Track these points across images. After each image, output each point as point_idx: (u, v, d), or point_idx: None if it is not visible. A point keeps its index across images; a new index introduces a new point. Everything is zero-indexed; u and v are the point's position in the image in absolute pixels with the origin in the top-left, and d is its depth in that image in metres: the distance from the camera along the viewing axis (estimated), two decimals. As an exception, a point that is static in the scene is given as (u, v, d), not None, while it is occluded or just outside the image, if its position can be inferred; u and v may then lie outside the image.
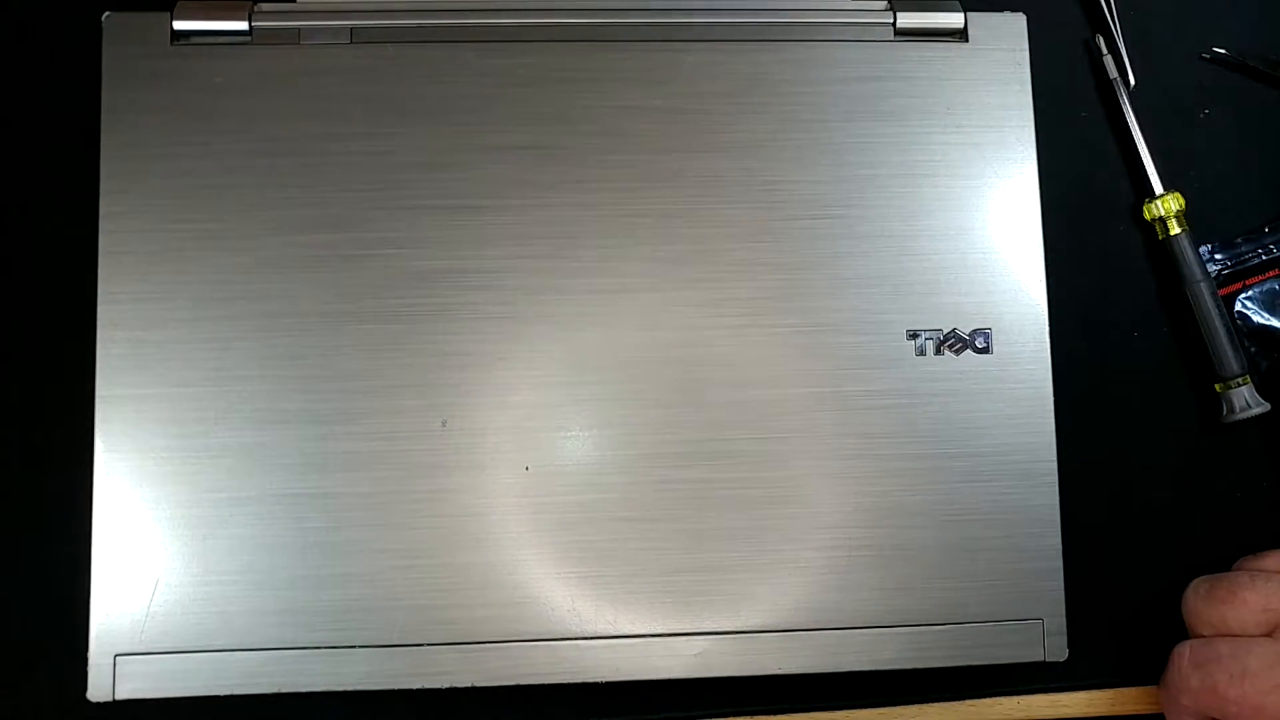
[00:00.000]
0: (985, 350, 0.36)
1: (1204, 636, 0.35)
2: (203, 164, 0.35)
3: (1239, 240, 0.41)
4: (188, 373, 0.34)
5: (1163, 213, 0.40)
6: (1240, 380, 0.39)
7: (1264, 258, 0.40)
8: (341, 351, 0.34)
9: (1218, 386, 0.40)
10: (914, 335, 0.36)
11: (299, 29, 0.36)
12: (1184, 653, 0.35)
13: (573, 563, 0.34)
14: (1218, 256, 0.40)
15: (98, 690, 0.33)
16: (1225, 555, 0.39)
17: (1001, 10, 0.38)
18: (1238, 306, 0.40)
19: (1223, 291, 0.40)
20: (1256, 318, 0.40)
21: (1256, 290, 0.40)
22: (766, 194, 0.36)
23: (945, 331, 0.36)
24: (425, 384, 0.35)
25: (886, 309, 0.36)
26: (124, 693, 0.33)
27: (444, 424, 0.34)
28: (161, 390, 0.34)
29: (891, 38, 0.38)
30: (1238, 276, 0.40)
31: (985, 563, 0.35)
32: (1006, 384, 0.36)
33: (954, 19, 0.38)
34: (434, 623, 0.34)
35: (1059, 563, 0.35)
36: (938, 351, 0.36)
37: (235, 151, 0.35)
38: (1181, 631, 0.37)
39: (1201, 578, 0.36)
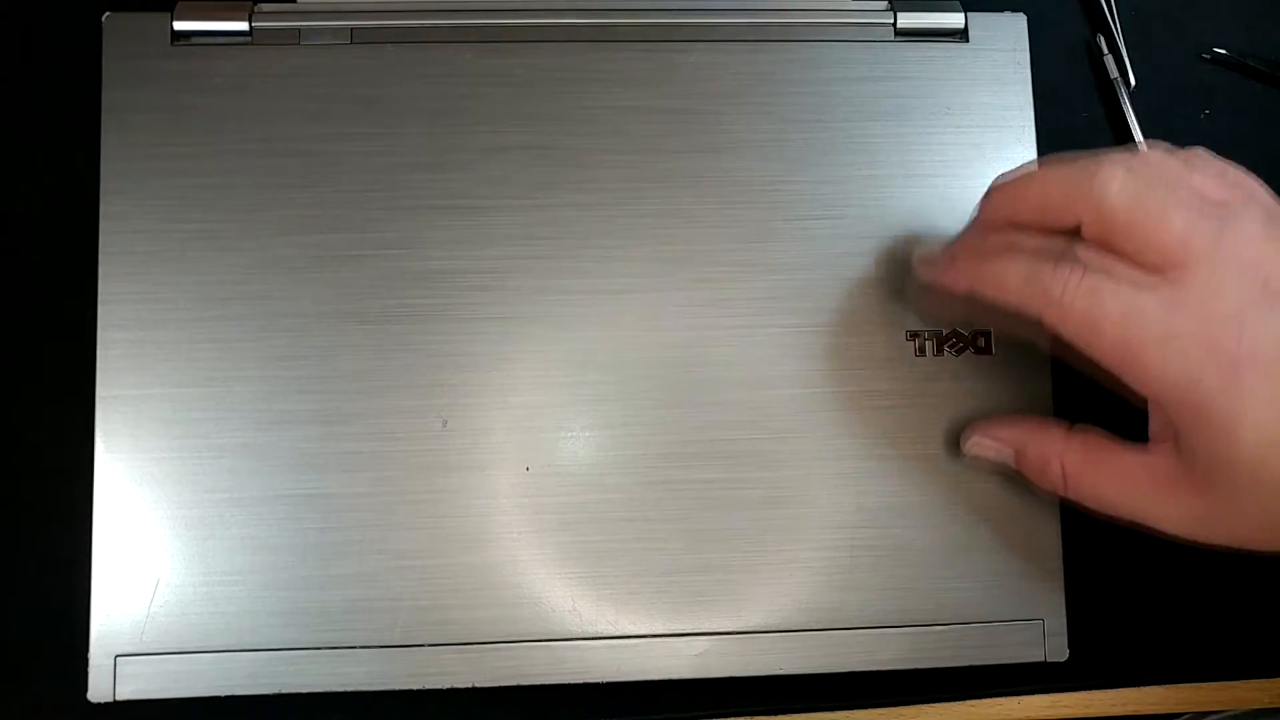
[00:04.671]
0: (985, 350, 0.36)
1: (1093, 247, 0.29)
2: (203, 164, 0.35)
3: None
4: (188, 373, 0.34)
5: (1163, 213, 0.40)
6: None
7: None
8: (341, 351, 0.34)
9: (1218, 386, 0.39)
10: (914, 335, 0.36)
11: (299, 29, 0.36)
12: (1079, 267, 0.29)
13: (573, 563, 0.34)
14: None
15: (98, 691, 0.33)
16: (1225, 555, 0.39)
17: (1001, 10, 0.38)
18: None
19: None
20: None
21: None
22: (766, 194, 0.36)
23: (945, 332, 0.36)
24: (425, 384, 0.35)
25: (886, 309, 0.36)
26: (125, 693, 0.33)
27: (444, 424, 0.34)
28: (161, 390, 0.34)
29: (891, 38, 0.38)
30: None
31: (985, 563, 0.35)
32: (1007, 384, 0.36)
33: (954, 19, 0.38)
34: (434, 623, 0.34)
35: (1059, 563, 0.35)
36: (938, 351, 0.36)
37: (235, 151, 0.35)
38: (1181, 631, 0.37)
39: (1120, 162, 0.29)
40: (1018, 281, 0.30)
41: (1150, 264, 0.28)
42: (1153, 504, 0.31)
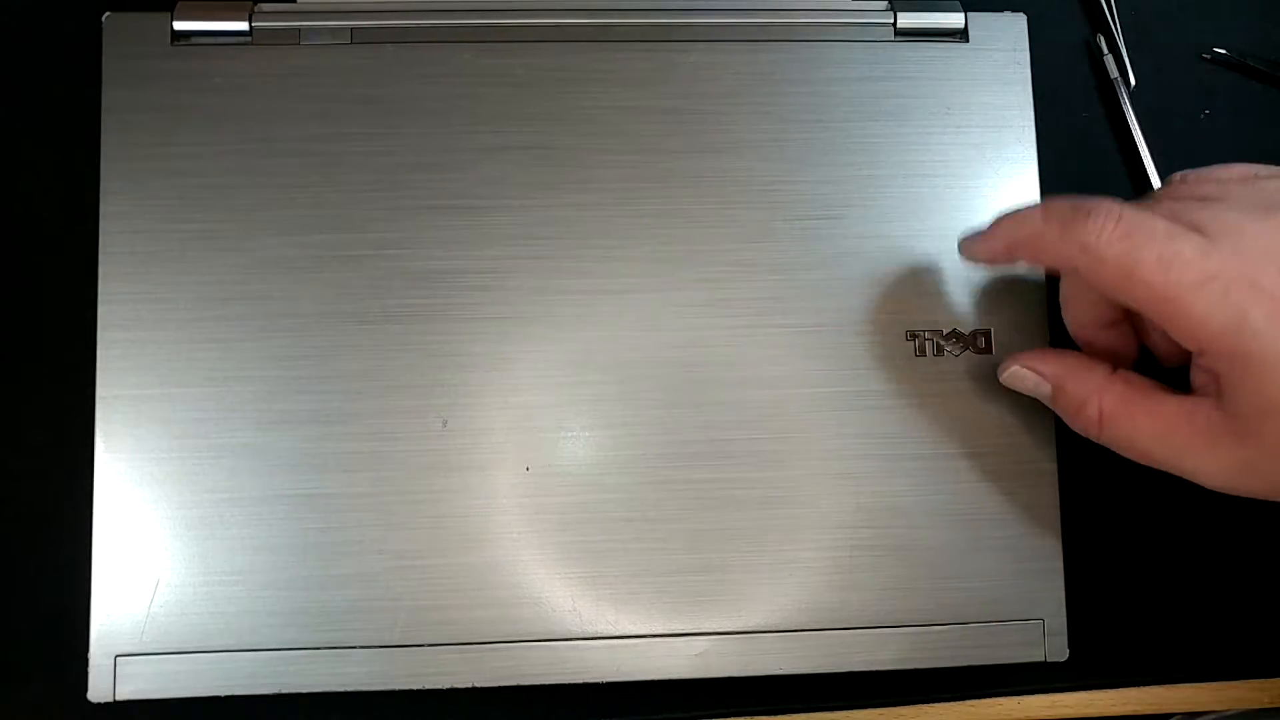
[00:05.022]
0: (985, 350, 0.36)
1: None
2: (203, 164, 0.35)
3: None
4: (188, 373, 0.34)
5: (1163, 213, 0.40)
6: (1240, 380, 0.39)
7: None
8: (341, 351, 0.34)
9: (1218, 386, 0.40)
10: (914, 335, 0.36)
11: (299, 29, 0.36)
12: (1115, 213, 0.29)
13: (573, 563, 0.34)
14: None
15: (98, 691, 0.33)
16: (1225, 555, 0.39)
17: (1001, 10, 0.38)
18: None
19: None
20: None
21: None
22: (766, 194, 0.36)
23: (945, 332, 0.36)
24: (425, 384, 0.35)
25: (886, 309, 0.36)
26: (125, 693, 0.33)
27: (444, 424, 0.34)
28: (161, 390, 0.34)
29: (891, 38, 0.38)
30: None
31: (985, 563, 0.35)
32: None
33: (954, 19, 0.38)
34: (434, 623, 0.34)
35: (1059, 563, 0.35)
36: (938, 352, 0.36)
37: (235, 151, 0.35)
38: (1181, 631, 0.38)
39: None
40: (1054, 235, 0.30)
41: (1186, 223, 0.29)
42: (1191, 453, 0.30)
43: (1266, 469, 0.29)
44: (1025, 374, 0.34)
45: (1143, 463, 0.31)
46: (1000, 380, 0.34)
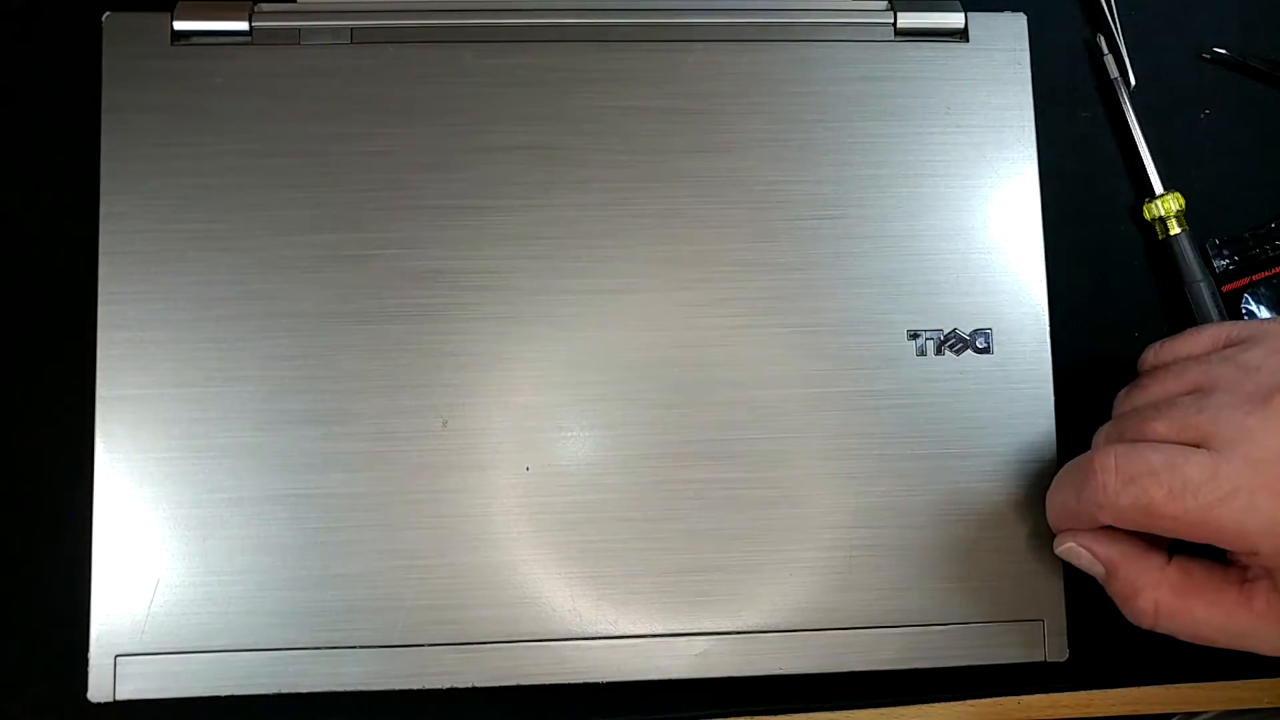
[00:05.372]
0: (985, 350, 0.36)
1: (1124, 443, 0.31)
2: (203, 164, 0.35)
3: (1246, 236, 0.41)
4: (188, 373, 0.34)
5: (1163, 213, 0.40)
6: (1240, 380, 0.39)
7: (1271, 254, 0.40)
8: (341, 351, 0.34)
9: (1218, 386, 0.40)
10: (914, 335, 0.36)
11: (299, 29, 0.36)
12: (1109, 462, 0.30)
13: (573, 563, 0.34)
14: (1225, 252, 0.40)
15: (98, 691, 0.33)
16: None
17: (1001, 10, 0.38)
18: (1244, 303, 0.40)
19: (1229, 287, 0.40)
20: (1263, 314, 0.40)
21: (1263, 286, 0.40)
22: (767, 194, 0.36)
23: (945, 331, 0.36)
24: (425, 384, 0.35)
25: (887, 309, 0.36)
26: (125, 693, 0.33)
27: (444, 424, 0.34)
28: (161, 390, 0.34)
29: (891, 38, 0.38)
30: (1244, 272, 0.40)
31: (985, 563, 0.35)
32: (1007, 384, 0.36)
33: (954, 19, 0.38)
34: (434, 623, 0.34)
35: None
36: (938, 351, 0.36)
37: (235, 151, 0.35)
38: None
39: (1103, 427, 0.33)
40: (1075, 504, 0.32)
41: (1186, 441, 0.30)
42: (1254, 635, 0.30)
43: None
44: (1080, 552, 0.33)
45: (1200, 643, 0.31)
46: (1056, 553, 0.34)
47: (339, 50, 0.36)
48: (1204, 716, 0.39)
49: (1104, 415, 0.36)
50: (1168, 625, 0.32)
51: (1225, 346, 0.33)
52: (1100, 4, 0.41)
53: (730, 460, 0.35)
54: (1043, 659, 0.35)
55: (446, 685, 0.34)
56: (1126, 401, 0.34)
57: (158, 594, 0.33)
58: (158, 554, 0.34)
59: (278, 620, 0.34)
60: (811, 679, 0.35)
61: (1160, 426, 0.31)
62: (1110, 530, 0.32)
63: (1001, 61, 0.38)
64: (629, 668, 0.34)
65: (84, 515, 0.34)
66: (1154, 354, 0.34)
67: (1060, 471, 0.33)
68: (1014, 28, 0.38)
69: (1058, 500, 0.33)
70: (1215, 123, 0.42)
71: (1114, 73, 0.41)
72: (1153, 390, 0.33)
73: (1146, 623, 0.32)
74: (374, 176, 0.35)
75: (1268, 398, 0.29)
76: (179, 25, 0.36)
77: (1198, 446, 0.30)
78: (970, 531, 0.35)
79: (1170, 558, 0.32)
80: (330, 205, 0.35)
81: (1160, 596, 0.31)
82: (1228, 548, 0.30)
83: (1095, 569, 0.33)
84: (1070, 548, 0.33)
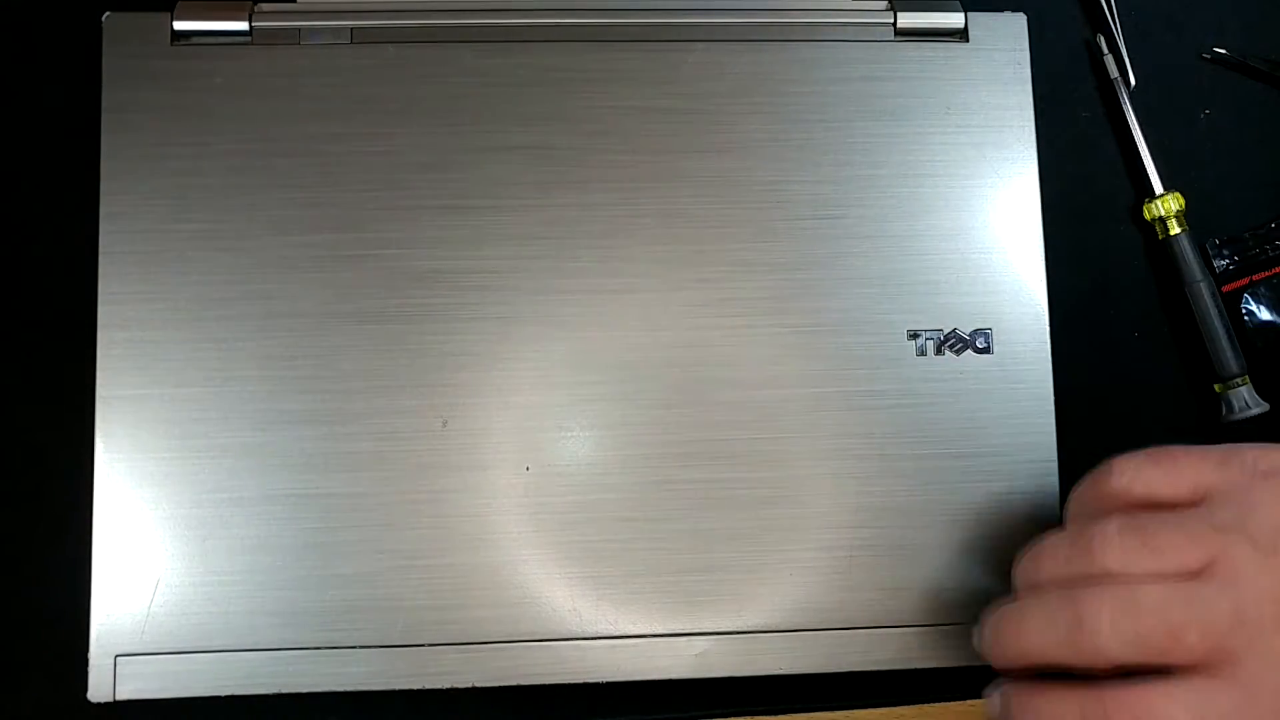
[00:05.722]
0: (985, 350, 0.36)
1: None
2: (203, 164, 0.35)
3: (1246, 236, 0.41)
4: (188, 373, 0.34)
5: (1163, 213, 0.40)
6: (1240, 381, 0.39)
7: (1271, 254, 0.40)
8: (341, 351, 0.34)
9: (1217, 387, 0.40)
10: (914, 335, 0.36)
11: (299, 29, 0.36)
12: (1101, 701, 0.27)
13: (573, 563, 0.34)
14: (1225, 252, 0.40)
15: (98, 691, 0.33)
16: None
17: (1001, 10, 0.38)
18: (1243, 303, 0.40)
19: (1229, 287, 0.40)
20: (1263, 314, 0.40)
21: (1263, 286, 0.40)
22: (767, 194, 0.36)
23: (945, 331, 0.36)
24: (425, 384, 0.35)
25: (887, 309, 0.36)
26: (125, 693, 0.33)
27: (444, 424, 0.34)
28: (161, 390, 0.34)
29: (891, 38, 0.38)
30: (1244, 272, 0.40)
31: (985, 563, 0.35)
32: (1007, 384, 0.36)
33: (954, 19, 0.38)
34: (434, 623, 0.34)
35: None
36: (938, 351, 0.36)
37: (235, 151, 0.35)
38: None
39: (1109, 595, 0.27)
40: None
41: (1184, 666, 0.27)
42: None
43: None
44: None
45: None
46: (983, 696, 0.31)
47: (339, 50, 0.36)
48: None
49: (1103, 415, 0.36)
50: None
51: (1200, 499, 0.28)
52: (1100, 4, 0.42)
53: (730, 460, 0.35)
54: (1043, 659, 0.35)
55: (446, 685, 0.34)
56: (1128, 557, 0.28)
57: (158, 594, 0.33)
58: (158, 554, 0.34)
59: (278, 620, 0.34)
60: (811, 679, 0.35)
61: (1193, 638, 0.26)
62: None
63: (1001, 61, 0.37)
64: (629, 668, 0.34)
65: (84, 515, 0.34)
66: (1114, 527, 0.28)
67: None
68: (1014, 28, 0.38)
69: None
70: (1215, 123, 0.42)
71: (1114, 73, 0.41)
72: (1167, 558, 0.27)
73: None
74: (374, 176, 0.35)
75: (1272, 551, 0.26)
76: (179, 25, 0.36)
77: (1220, 665, 0.26)
78: (970, 531, 0.35)
79: None
80: (330, 205, 0.35)
81: None
82: None
83: None
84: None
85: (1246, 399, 0.39)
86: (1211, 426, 0.40)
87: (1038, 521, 0.35)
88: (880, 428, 0.35)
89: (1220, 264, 0.40)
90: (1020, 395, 0.36)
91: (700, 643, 0.34)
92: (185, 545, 0.34)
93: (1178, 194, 0.40)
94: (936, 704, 0.38)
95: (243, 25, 0.36)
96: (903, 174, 0.36)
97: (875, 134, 0.37)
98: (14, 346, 0.37)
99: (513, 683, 0.34)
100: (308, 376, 0.34)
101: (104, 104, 0.35)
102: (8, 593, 0.36)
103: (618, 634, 0.34)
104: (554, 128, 0.36)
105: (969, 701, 0.38)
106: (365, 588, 0.34)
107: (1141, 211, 0.40)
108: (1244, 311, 0.40)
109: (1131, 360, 0.41)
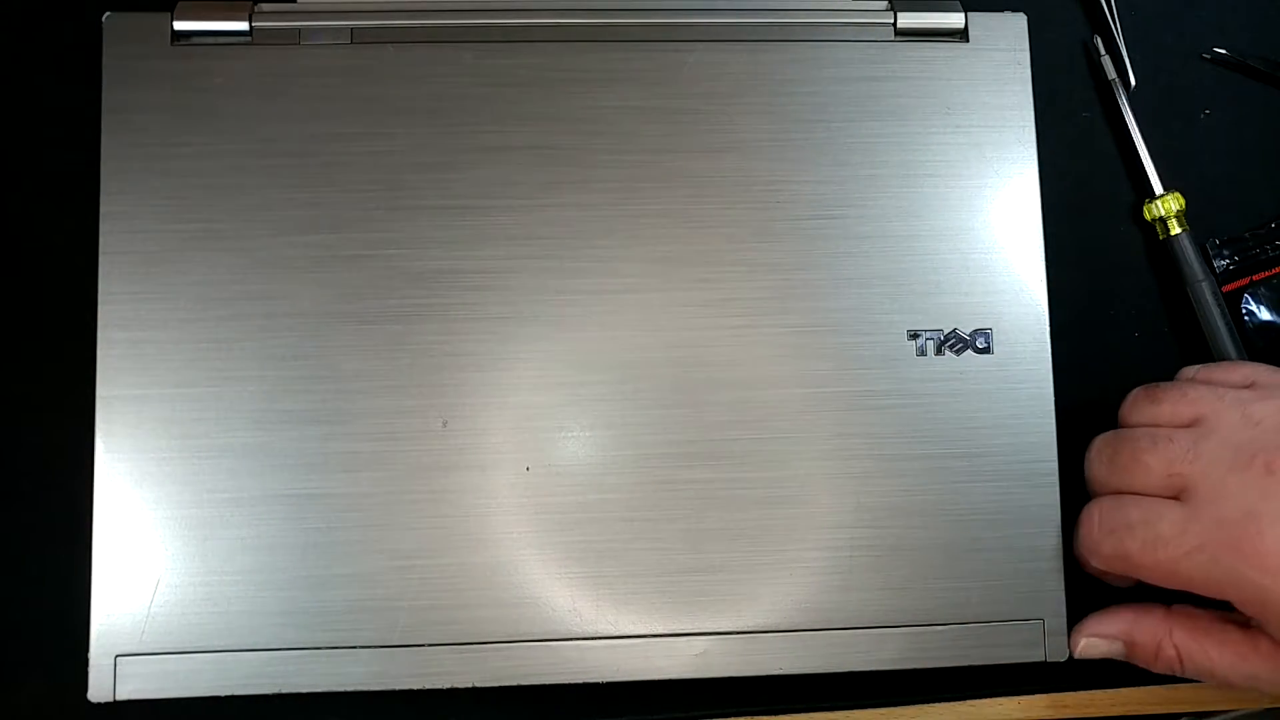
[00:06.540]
0: (986, 350, 0.36)
1: (1111, 495, 0.34)
2: (203, 164, 0.35)
3: (1246, 236, 0.41)
4: (188, 373, 0.34)
5: (1163, 213, 0.40)
6: (1240, 380, 0.39)
7: (1271, 254, 0.40)
8: (341, 351, 0.34)
9: (1218, 386, 0.40)
10: (914, 335, 0.36)
11: (299, 29, 0.36)
12: (1094, 516, 0.33)
13: (573, 563, 0.34)
14: (1225, 252, 0.40)
15: (98, 691, 0.33)
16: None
17: (1001, 10, 0.38)
18: (1244, 303, 0.40)
19: (1229, 287, 0.40)
20: (1263, 314, 0.40)
21: (1263, 286, 0.40)
22: (767, 194, 0.36)
23: (945, 331, 0.36)
24: (425, 384, 0.35)
25: (887, 309, 0.36)
26: (125, 693, 0.33)
27: (444, 424, 0.34)
28: (161, 390, 0.34)
29: (891, 38, 0.38)
30: (1244, 272, 0.40)
31: (986, 563, 0.35)
32: (1007, 384, 0.36)
33: (954, 19, 0.38)
34: (435, 623, 0.34)
35: (1059, 563, 0.35)
36: (938, 351, 0.36)
37: (235, 151, 0.35)
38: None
39: (1102, 438, 0.35)
40: (1077, 547, 0.34)
41: (1160, 490, 0.32)
42: (1263, 673, 0.32)
43: None
44: (1096, 642, 0.35)
45: (1222, 685, 0.34)
46: (1075, 656, 0.35)
47: (339, 50, 0.36)
48: (1223, 718, 0.39)
49: (1103, 415, 0.36)
50: (1192, 667, 0.33)
51: (1248, 386, 0.34)
52: (1100, 4, 0.41)
53: (730, 460, 0.35)
54: (1043, 659, 0.35)
55: (446, 685, 0.34)
56: (1135, 410, 0.35)
57: (158, 594, 0.33)
58: (158, 554, 0.34)
59: (278, 620, 0.34)
60: (812, 679, 0.35)
61: (1151, 461, 0.32)
62: (1106, 611, 0.35)
63: (1001, 61, 0.38)
64: (629, 668, 0.34)
65: (84, 515, 0.34)
66: (1191, 373, 0.36)
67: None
68: (1014, 28, 0.38)
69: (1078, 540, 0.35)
70: (1215, 123, 0.42)
71: (1114, 73, 0.41)
72: (1163, 409, 0.34)
73: (1178, 670, 0.34)
74: (374, 176, 0.35)
75: (1253, 458, 0.31)
76: (179, 25, 0.36)
77: (1177, 497, 0.32)
78: (970, 531, 0.35)
79: (1170, 606, 0.34)
80: (330, 205, 0.35)
81: (1178, 640, 0.33)
82: (1205, 595, 0.32)
83: (1115, 649, 0.35)
84: (1086, 643, 0.35)
85: (1246, 399, 0.39)
86: (1211, 426, 0.40)
87: (1038, 521, 0.35)
88: (880, 428, 0.35)
89: (1220, 264, 0.40)
90: (1020, 395, 0.36)
91: (700, 643, 0.34)
92: (185, 545, 0.34)
93: (1178, 194, 0.40)
94: (937, 704, 0.38)
95: (243, 25, 0.36)
96: (903, 174, 0.36)
97: (875, 134, 0.37)
98: (14, 346, 0.37)
99: (513, 683, 0.34)
100: (308, 376, 0.34)
101: (104, 104, 0.35)
102: (8, 593, 0.36)
103: (618, 634, 0.34)
104: (554, 128, 0.36)
105: (969, 701, 0.38)
106: (365, 588, 0.34)
107: (1141, 211, 0.40)
108: (1244, 312, 0.40)
109: (1132, 360, 0.40)
